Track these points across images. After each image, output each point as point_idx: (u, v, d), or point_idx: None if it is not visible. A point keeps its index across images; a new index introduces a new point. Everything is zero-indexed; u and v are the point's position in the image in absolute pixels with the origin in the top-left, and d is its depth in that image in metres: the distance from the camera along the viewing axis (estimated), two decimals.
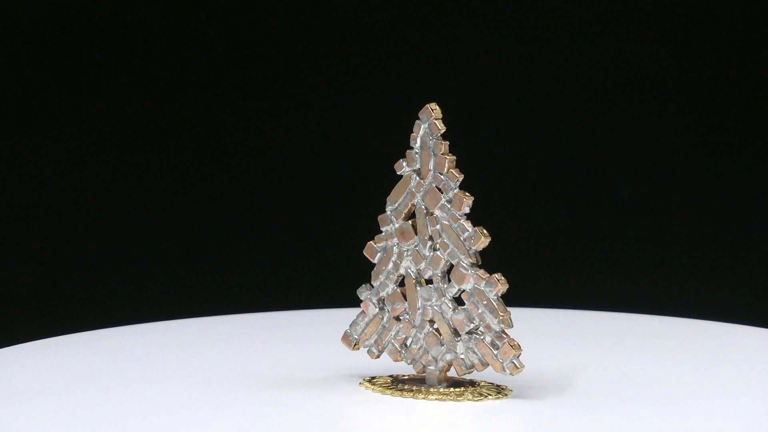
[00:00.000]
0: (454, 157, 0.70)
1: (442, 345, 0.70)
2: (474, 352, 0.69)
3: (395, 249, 0.72)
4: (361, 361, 0.74)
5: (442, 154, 0.70)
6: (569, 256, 1.30)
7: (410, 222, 0.71)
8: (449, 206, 0.70)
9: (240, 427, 0.65)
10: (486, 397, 0.69)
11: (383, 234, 0.72)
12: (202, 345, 0.87)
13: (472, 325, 0.69)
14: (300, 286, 1.30)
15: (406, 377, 0.73)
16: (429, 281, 0.71)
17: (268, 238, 1.31)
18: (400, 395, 0.70)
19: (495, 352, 0.68)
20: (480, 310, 0.69)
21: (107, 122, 1.29)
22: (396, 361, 0.72)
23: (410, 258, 0.71)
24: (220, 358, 0.81)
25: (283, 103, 1.30)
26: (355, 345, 0.73)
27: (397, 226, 0.71)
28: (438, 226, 0.70)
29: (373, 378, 0.73)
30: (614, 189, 1.29)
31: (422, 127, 0.70)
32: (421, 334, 0.71)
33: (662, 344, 0.88)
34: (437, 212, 0.70)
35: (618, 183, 1.29)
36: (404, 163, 0.71)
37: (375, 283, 0.72)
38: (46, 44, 1.27)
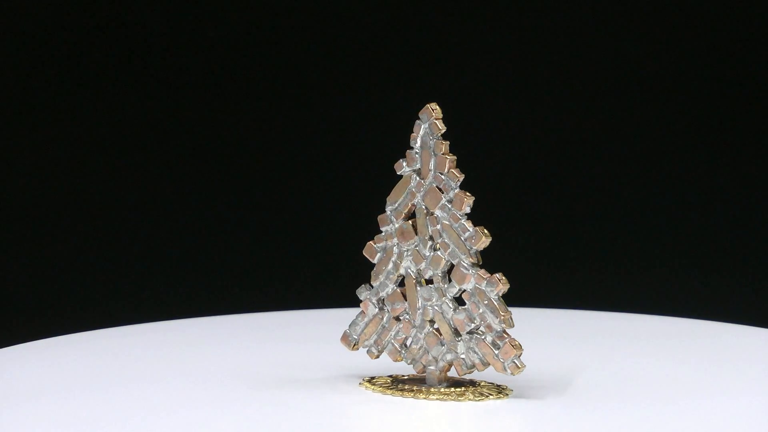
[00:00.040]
0: (455, 157, 0.70)
1: (443, 345, 0.70)
2: (475, 352, 0.69)
3: (395, 249, 0.72)
4: (361, 361, 0.74)
5: (443, 153, 0.70)
6: (569, 256, 1.30)
7: (410, 222, 0.71)
8: (450, 206, 0.70)
9: (240, 427, 0.65)
10: (487, 396, 0.69)
11: (383, 234, 0.72)
12: (202, 345, 0.87)
13: (472, 325, 0.69)
14: (300, 286, 1.30)
15: (405, 377, 0.73)
16: (429, 281, 0.71)
17: (268, 238, 1.31)
18: (401, 395, 0.70)
19: (496, 351, 0.68)
20: (481, 310, 0.69)
21: (107, 122, 1.29)
22: (396, 361, 0.72)
23: (410, 258, 0.71)
24: (220, 358, 0.81)
25: (283, 103, 1.30)
26: (354, 345, 0.73)
27: (397, 226, 0.71)
28: (438, 226, 0.70)
29: (373, 378, 0.73)
30: (614, 189, 1.29)
31: (422, 127, 0.70)
32: (421, 334, 0.71)
33: (662, 344, 0.88)
34: (438, 212, 0.70)
35: (618, 183, 1.29)
36: (404, 163, 0.71)
37: (374, 284, 0.72)
38: (46, 44, 1.27)
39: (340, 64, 1.30)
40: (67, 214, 1.28)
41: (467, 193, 0.69)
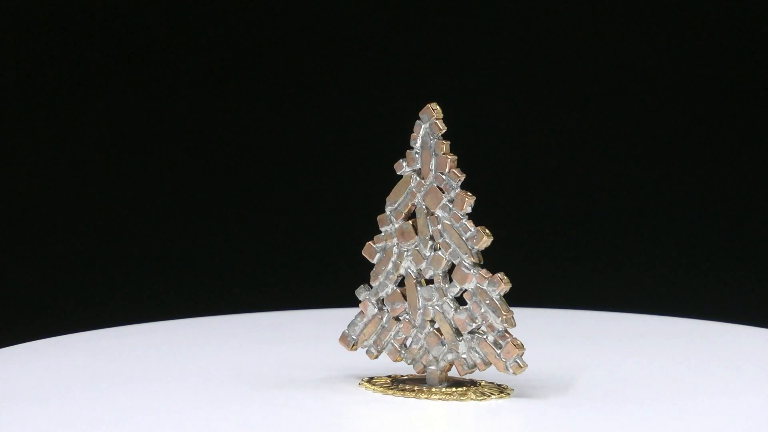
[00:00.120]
0: (456, 157, 0.70)
1: (444, 345, 0.70)
2: (476, 352, 0.69)
3: (395, 249, 0.72)
4: (360, 361, 0.74)
5: (444, 153, 0.70)
6: (569, 256, 1.30)
7: (410, 222, 0.71)
8: (451, 206, 0.70)
9: (240, 427, 0.65)
10: (489, 396, 0.69)
11: (382, 234, 0.72)
12: (202, 345, 0.87)
13: (474, 325, 0.69)
14: (300, 286, 1.30)
15: (405, 377, 0.73)
16: (429, 281, 0.71)
17: (268, 238, 1.31)
18: (402, 395, 0.70)
19: (498, 351, 0.68)
20: (482, 310, 0.69)
21: (107, 122, 1.29)
22: (396, 361, 0.72)
23: (410, 258, 0.71)
24: (220, 358, 0.81)
25: (284, 103, 1.30)
26: (353, 345, 0.73)
27: (396, 226, 0.71)
28: (439, 226, 0.70)
29: (372, 378, 0.73)
30: (614, 189, 1.29)
31: (423, 127, 0.70)
32: (421, 334, 0.71)
33: (662, 344, 0.88)
34: (439, 212, 0.70)
35: (618, 183, 1.29)
36: (404, 163, 0.71)
37: (374, 284, 0.72)
38: (46, 44, 1.27)
39: (341, 64, 1.30)
40: (67, 214, 1.28)
41: (468, 193, 0.69)
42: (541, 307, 1.02)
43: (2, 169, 1.27)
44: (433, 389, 0.70)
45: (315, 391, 0.71)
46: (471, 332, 0.69)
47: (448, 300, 0.70)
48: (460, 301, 0.70)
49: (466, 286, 0.69)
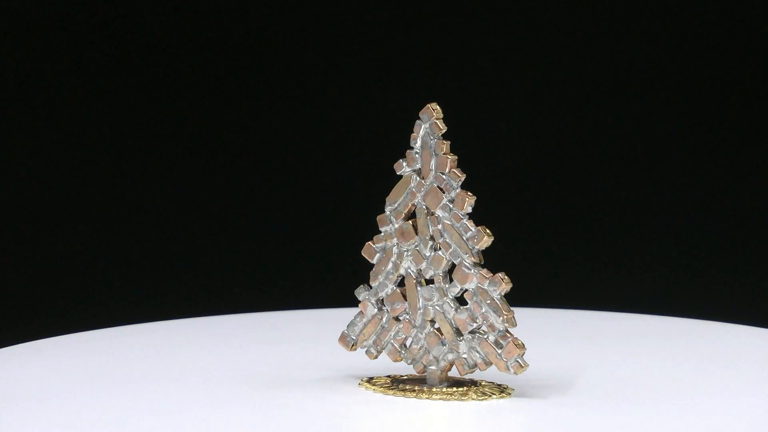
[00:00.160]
0: (456, 157, 0.70)
1: (444, 345, 0.70)
2: (477, 352, 0.69)
3: (394, 249, 0.71)
4: (360, 361, 0.74)
5: (444, 153, 0.70)
6: (569, 256, 1.30)
7: (410, 222, 0.71)
8: (451, 206, 0.70)
9: (240, 427, 0.65)
10: (490, 396, 0.69)
11: (382, 234, 0.72)
12: (202, 345, 0.87)
13: (475, 325, 0.69)
14: (300, 286, 1.30)
15: (404, 377, 0.73)
16: (429, 281, 0.71)
17: (268, 238, 1.31)
18: (403, 395, 0.70)
19: (499, 351, 0.68)
20: (483, 310, 0.69)
21: (107, 122, 1.29)
22: (396, 361, 0.72)
23: (410, 258, 0.71)
24: (220, 358, 0.81)
25: (283, 102, 1.30)
26: (352, 346, 0.73)
27: (396, 226, 0.71)
28: (440, 226, 0.70)
29: (372, 378, 0.73)
30: (615, 189, 1.29)
31: (423, 127, 0.70)
32: (422, 334, 0.71)
33: (662, 344, 0.88)
34: (439, 212, 0.70)
35: (618, 183, 1.29)
36: (404, 163, 0.71)
37: (373, 284, 0.72)
38: (46, 44, 1.27)
39: (341, 64, 1.30)
40: (67, 214, 1.28)
41: (469, 193, 0.69)
42: (541, 307, 1.02)
43: (2, 169, 1.27)
44: (434, 389, 0.70)
45: (315, 391, 0.71)
46: (472, 332, 0.69)
47: (448, 300, 0.70)
48: (460, 301, 0.70)
49: (466, 286, 0.69)
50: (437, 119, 0.70)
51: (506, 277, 0.69)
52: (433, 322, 0.71)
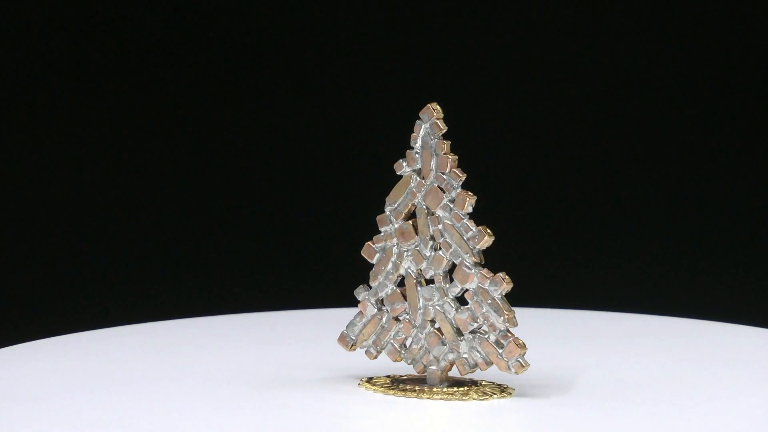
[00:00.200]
0: (456, 157, 0.70)
1: (445, 344, 0.70)
2: (478, 352, 0.69)
3: (394, 249, 0.71)
4: (360, 361, 0.74)
5: (444, 153, 0.70)
6: (569, 256, 1.30)
7: (410, 222, 0.71)
8: (452, 206, 0.70)
9: (240, 427, 0.65)
10: (491, 396, 0.69)
11: (382, 234, 0.72)
12: (202, 345, 0.87)
13: (475, 325, 0.69)
14: (300, 286, 1.30)
15: (404, 377, 0.73)
16: (430, 281, 0.71)
17: (268, 238, 1.31)
18: (404, 395, 0.70)
19: (499, 351, 0.68)
20: (484, 309, 0.69)
21: (107, 122, 1.29)
22: (396, 361, 0.72)
23: (411, 258, 0.71)
24: (220, 358, 0.81)
25: (283, 102, 1.30)
26: (352, 346, 0.73)
27: (396, 226, 0.71)
28: (440, 226, 0.70)
29: (371, 378, 0.73)
30: (615, 189, 1.29)
31: (423, 127, 0.70)
32: (422, 334, 0.71)
33: (662, 344, 0.88)
34: (439, 212, 0.70)
35: (618, 183, 1.29)
36: (404, 163, 0.71)
37: (373, 284, 0.72)
38: (46, 44, 1.27)
39: (341, 64, 1.30)
40: (67, 214, 1.28)
41: (469, 193, 0.69)
42: (541, 307, 1.02)
43: (2, 169, 1.27)
44: (435, 389, 0.70)
45: (315, 391, 0.71)
46: (472, 332, 0.69)
47: (449, 300, 0.70)
48: (460, 300, 0.70)
49: (467, 286, 0.69)
50: (438, 119, 0.70)
51: (507, 277, 0.69)
52: (433, 322, 0.71)
